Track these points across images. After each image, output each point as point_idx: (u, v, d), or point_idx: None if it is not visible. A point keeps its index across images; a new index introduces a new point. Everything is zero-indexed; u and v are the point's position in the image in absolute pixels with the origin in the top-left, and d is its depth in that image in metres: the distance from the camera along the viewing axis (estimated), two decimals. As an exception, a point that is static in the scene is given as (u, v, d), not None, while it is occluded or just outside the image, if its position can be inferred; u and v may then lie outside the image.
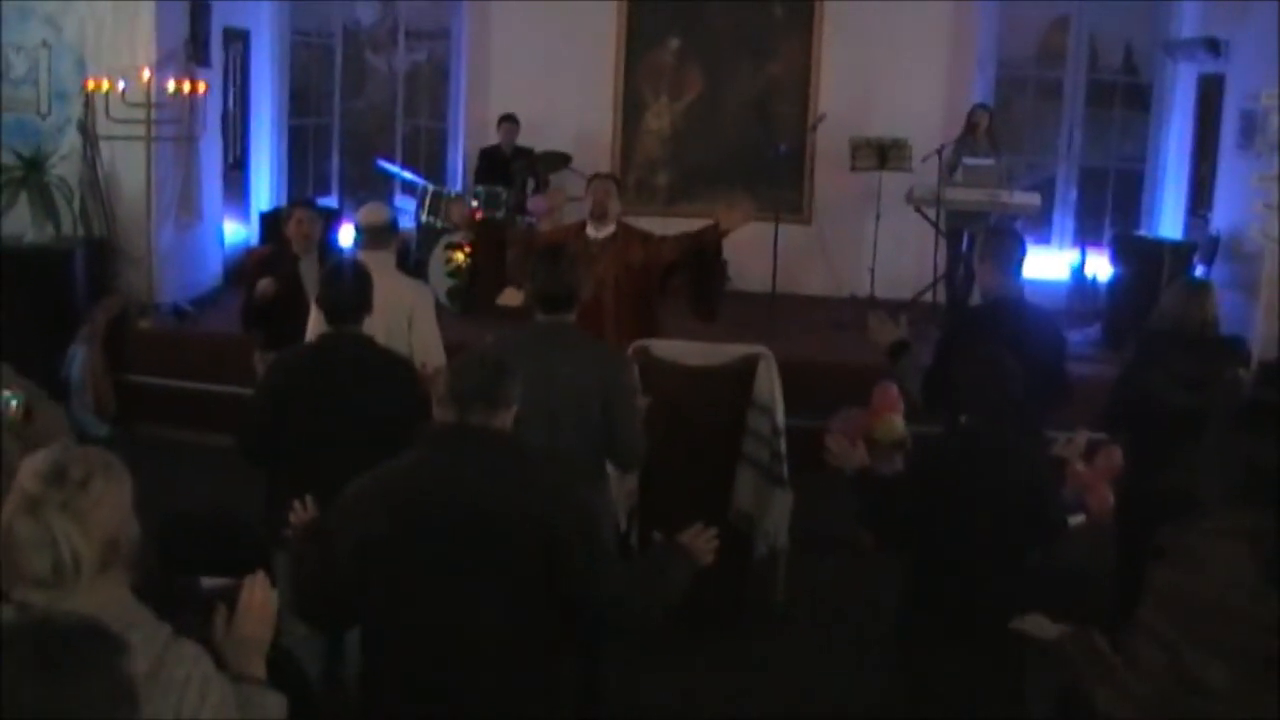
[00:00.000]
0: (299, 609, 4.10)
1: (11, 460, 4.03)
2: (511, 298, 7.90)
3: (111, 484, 2.93)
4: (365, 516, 3.88)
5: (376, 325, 6.37)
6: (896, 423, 7.39)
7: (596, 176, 8.04)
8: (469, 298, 11.18)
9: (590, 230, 7.58)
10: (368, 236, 7.09)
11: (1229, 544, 3.54)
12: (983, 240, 7.71)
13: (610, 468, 5.78)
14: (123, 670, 2.35)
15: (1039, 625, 3.92)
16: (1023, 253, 6.60)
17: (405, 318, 6.71)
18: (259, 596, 3.17)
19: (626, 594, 4.01)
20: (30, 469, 2.91)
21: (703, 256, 7.80)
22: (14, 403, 4.69)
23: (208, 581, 3.79)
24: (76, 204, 11.18)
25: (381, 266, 6.88)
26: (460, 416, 3.93)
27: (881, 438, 7.09)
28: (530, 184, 12.87)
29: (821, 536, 7.79)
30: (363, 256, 6.95)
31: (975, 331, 6.36)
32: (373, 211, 7.29)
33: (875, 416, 7.42)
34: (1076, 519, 5.65)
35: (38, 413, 4.92)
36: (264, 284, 7.96)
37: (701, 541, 4.21)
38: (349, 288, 5.71)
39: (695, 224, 8.04)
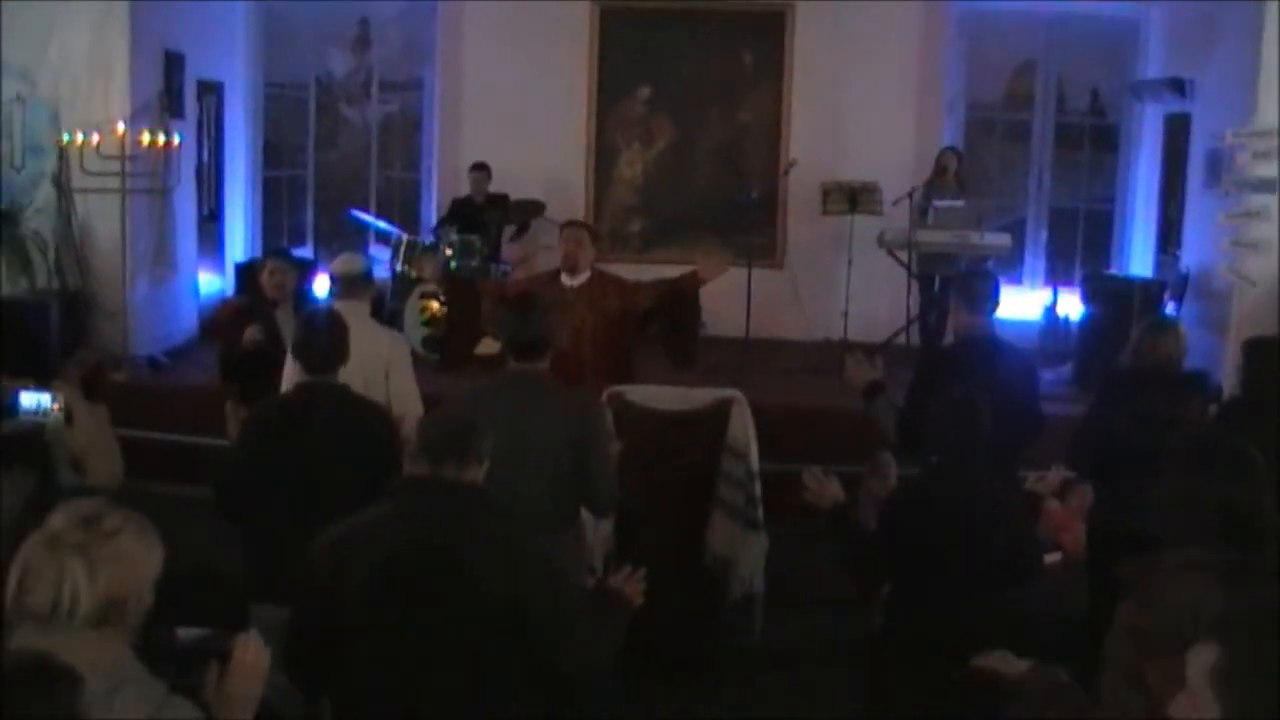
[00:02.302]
0: (289, 664, 4.12)
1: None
2: (489, 347, 7.92)
3: (139, 547, 2.96)
4: (336, 568, 3.90)
5: (354, 376, 6.37)
6: None
7: (569, 225, 8.05)
8: (446, 350, 11.19)
9: (564, 278, 7.60)
10: (343, 286, 7.10)
11: (1189, 578, 3.58)
12: (957, 281, 7.76)
13: (585, 513, 5.80)
14: (74, 706, 2.36)
15: (1004, 661, 3.94)
16: (996, 292, 6.66)
17: (382, 368, 6.71)
18: (252, 654, 3.18)
19: (587, 651, 4.05)
20: (66, 509, 2.96)
21: (680, 304, 7.83)
22: (55, 404, 4.71)
23: (184, 632, 3.80)
24: (51, 257, 11.21)
25: (357, 316, 6.88)
26: (432, 470, 3.96)
27: None
28: (509, 231, 12.92)
29: (797, 582, 7.81)
30: (338, 306, 6.96)
31: (948, 371, 6.42)
32: (347, 261, 7.30)
33: None
34: (1052, 558, 5.69)
35: (78, 415, 4.93)
36: (251, 331, 7.92)
37: (632, 584, 4.28)
38: (324, 337, 5.68)
39: (672, 271, 8.06)
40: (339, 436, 5.45)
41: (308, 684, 4.39)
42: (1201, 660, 2.67)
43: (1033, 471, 5.77)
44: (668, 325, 7.91)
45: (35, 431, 4.89)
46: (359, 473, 5.19)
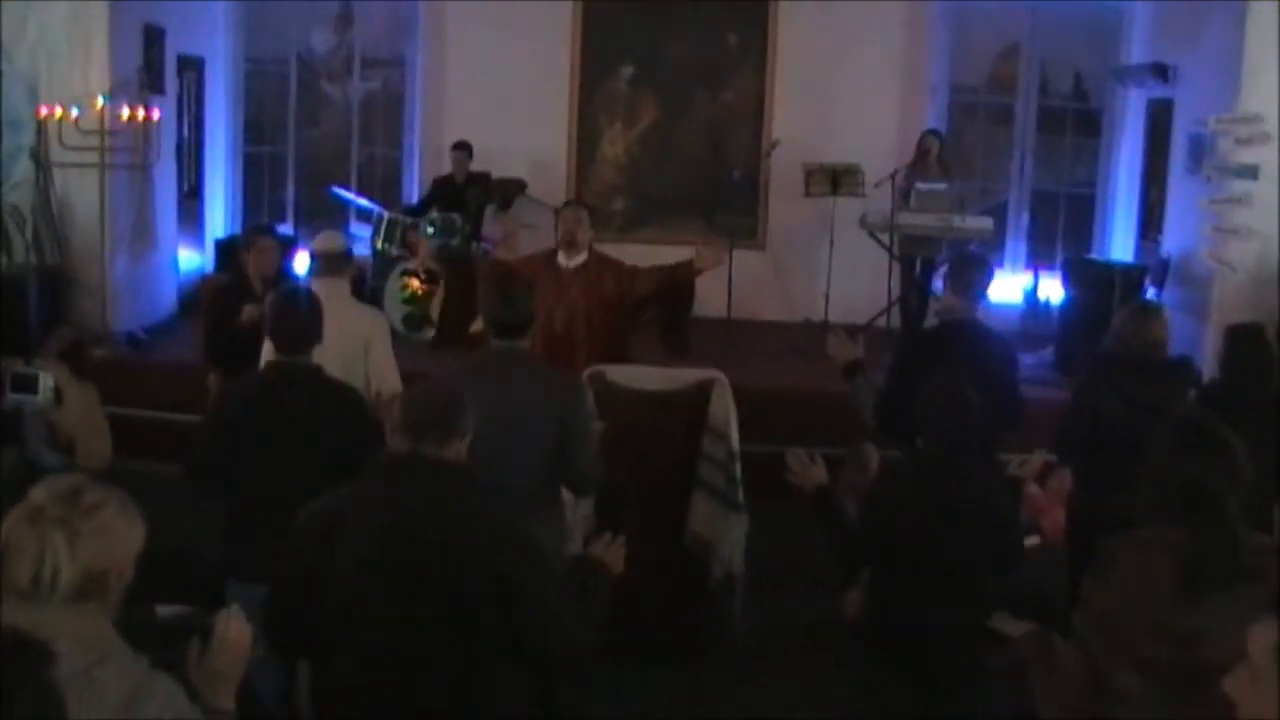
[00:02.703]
0: (268, 635, 4.12)
1: None
2: (480, 325, 7.92)
3: (120, 522, 2.96)
4: (317, 543, 3.89)
5: (332, 354, 6.34)
6: None
7: (568, 205, 8.01)
8: (441, 328, 11.17)
9: (561, 259, 7.57)
10: (323, 264, 7.06)
11: (1145, 555, 3.63)
12: (948, 265, 7.76)
13: (565, 493, 5.78)
14: (50, 681, 2.35)
15: (1003, 621, 3.99)
16: (987, 278, 6.66)
17: (362, 346, 6.68)
18: (234, 631, 3.17)
19: (572, 629, 4.04)
20: (47, 486, 2.96)
21: (675, 293, 7.80)
22: (48, 383, 4.71)
23: (163, 609, 3.80)
24: (29, 232, 11.13)
25: (336, 294, 6.85)
26: (414, 446, 3.94)
27: None
28: (491, 209, 12.89)
29: (778, 564, 7.81)
30: (317, 284, 6.91)
31: (928, 354, 6.42)
32: (328, 239, 7.26)
33: None
34: (1031, 541, 5.69)
35: (68, 395, 4.92)
36: (250, 310, 7.83)
37: (613, 552, 4.28)
38: (300, 317, 5.63)
39: (669, 257, 7.98)
40: (310, 417, 5.40)
41: (287, 658, 4.39)
42: (1266, 637, 2.74)
43: (1013, 455, 5.76)
44: (662, 314, 7.89)
45: (14, 408, 4.87)
46: (330, 454, 5.19)
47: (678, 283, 7.74)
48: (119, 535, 2.95)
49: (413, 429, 3.96)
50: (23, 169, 11.22)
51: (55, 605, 2.85)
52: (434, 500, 3.89)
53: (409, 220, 12.32)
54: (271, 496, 5.25)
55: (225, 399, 5.79)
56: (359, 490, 4.01)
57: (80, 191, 11.18)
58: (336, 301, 6.80)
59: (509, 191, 12.98)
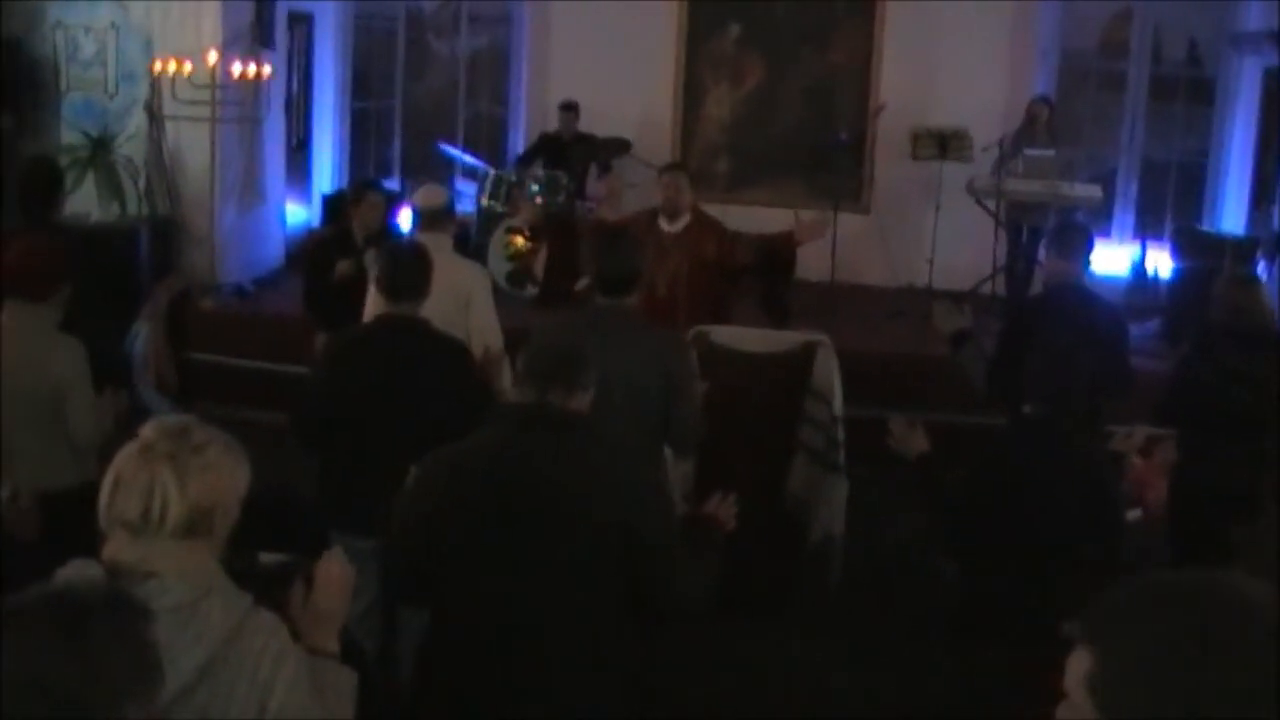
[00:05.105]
0: (385, 580, 4.17)
1: None
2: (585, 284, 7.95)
3: (226, 460, 3.01)
4: (441, 489, 3.94)
5: (433, 308, 6.36)
6: None
7: (668, 169, 7.98)
8: (545, 288, 11.21)
9: (663, 222, 7.56)
10: (425, 219, 7.07)
11: None
12: (1050, 231, 7.68)
13: (667, 451, 5.79)
14: (147, 638, 2.37)
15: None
16: (1090, 242, 6.59)
17: (463, 300, 6.69)
18: (336, 572, 3.22)
19: (686, 582, 4.05)
20: (157, 423, 3.03)
21: (775, 263, 7.78)
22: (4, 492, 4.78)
23: (265, 556, 3.85)
24: (142, 184, 11.33)
25: (439, 249, 6.85)
26: (539, 396, 3.97)
27: None
28: (594, 170, 12.89)
29: (878, 526, 7.78)
30: (420, 239, 6.96)
31: (1039, 319, 6.35)
32: (430, 194, 7.27)
33: None
34: (1133, 514, 5.63)
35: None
36: (344, 265, 7.96)
37: (725, 510, 4.28)
38: (408, 269, 5.68)
39: (773, 220, 7.94)
40: (418, 369, 5.44)
41: (406, 600, 4.45)
42: (1078, 665, 2.66)
43: (1118, 428, 5.70)
44: (763, 284, 7.87)
45: (122, 352, 4.95)
46: (436, 406, 5.24)
47: (778, 253, 7.72)
48: (225, 473, 3.00)
49: (538, 379, 3.99)
50: (137, 122, 11.42)
51: (164, 539, 2.90)
52: (559, 449, 3.92)
53: (514, 178, 12.34)
54: (378, 449, 5.31)
55: (331, 349, 5.83)
56: (483, 438, 4.05)
57: (191, 144, 11.33)
58: (438, 256, 6.78)
59: (613, 151, 12.97)
